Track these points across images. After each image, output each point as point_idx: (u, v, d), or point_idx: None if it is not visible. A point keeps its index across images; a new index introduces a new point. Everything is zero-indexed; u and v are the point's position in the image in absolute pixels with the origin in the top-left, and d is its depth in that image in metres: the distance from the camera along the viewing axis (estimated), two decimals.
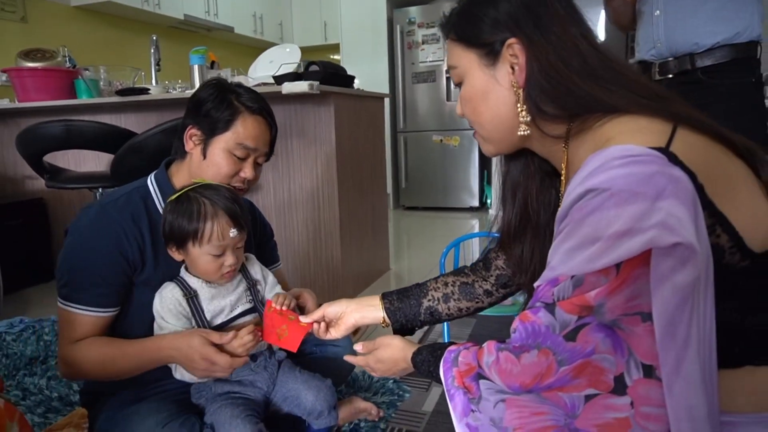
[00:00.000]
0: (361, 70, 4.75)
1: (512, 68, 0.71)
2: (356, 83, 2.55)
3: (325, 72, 2.16)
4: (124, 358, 1.07)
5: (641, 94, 0.66)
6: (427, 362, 0.83)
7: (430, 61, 4.60)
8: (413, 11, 4.59)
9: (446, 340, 1.77)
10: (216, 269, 1.08)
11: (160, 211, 1.14)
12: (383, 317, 1.05)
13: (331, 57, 5.99)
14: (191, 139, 1.15)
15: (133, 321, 1.13)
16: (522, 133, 0.73)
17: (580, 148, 0.68)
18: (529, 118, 0.72)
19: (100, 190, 2.28)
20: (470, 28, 0.74)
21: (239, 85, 1.19)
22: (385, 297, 1.05)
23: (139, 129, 2.21)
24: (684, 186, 0.54)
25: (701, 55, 1.58)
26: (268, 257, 1.41)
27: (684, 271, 0.52)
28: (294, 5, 6.11)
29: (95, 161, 2.77)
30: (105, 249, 1.07)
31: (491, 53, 0.73)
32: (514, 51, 0.70)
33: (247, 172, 1.17)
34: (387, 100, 4.59)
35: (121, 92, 2.45)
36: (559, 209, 0.62)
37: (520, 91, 0.71)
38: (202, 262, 1.08)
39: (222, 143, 1.13)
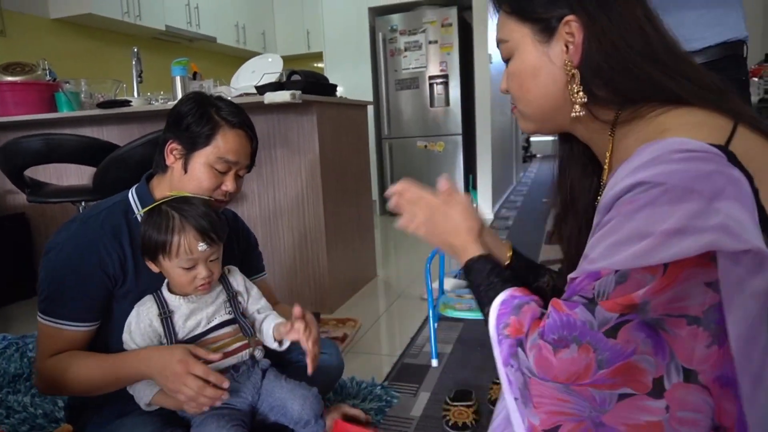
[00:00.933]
0: (345, 78, 4.77)
1: (566, 47, 0.67)
2: (340, 91, 2.57)
3: (307, 81, 2.17)
4: (101, 370, 1.07)
5: (702, 85, 0.63)
6: (480, 274, 0.76)
7: (413, 68, 4.63)
8: (395, 19, 4.62)
9: (433, 344, 1.78)
10: (189, 282, 1.09)
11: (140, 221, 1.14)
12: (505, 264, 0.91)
13: (315, 65, 6.02)
14: (172, 153, 1.16)
15: (113, 333, 1.13)
16: (576, 114, 0.69)
17: (628, 138, 0.66)
18: (585, 99, 0.67)
19: (83, 203, 2.26)
20: (526, 1, 0.71)
21: (219, 98, 1.20)
22: (514, 253, 0.93)
23: (121, 141, 2.20)
24: (744, 188, 0.52)
25: (693, 55, 1.59)
26: (253, 267, 1.41)
27: (758, 278, 0.49)
28: (276, 15, 6.13)
29: (77, 175, 2.74)
30: (85, 264, 1.08)
31: (546, 29, 0.69)
32: (571, 29, 0.67)
33: (228, 185, 1.17)
34: (371, 108, 4.62)
35: (102, 105, 2.43)
36: (602, 199, 0.59)
37: (575, 71, 0.67)
38: (175, 275, 1.09)
39: (203, 157, 1.13)
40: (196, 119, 1.13)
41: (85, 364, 1.07)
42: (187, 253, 1.06)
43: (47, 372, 1.08)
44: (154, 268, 1.11)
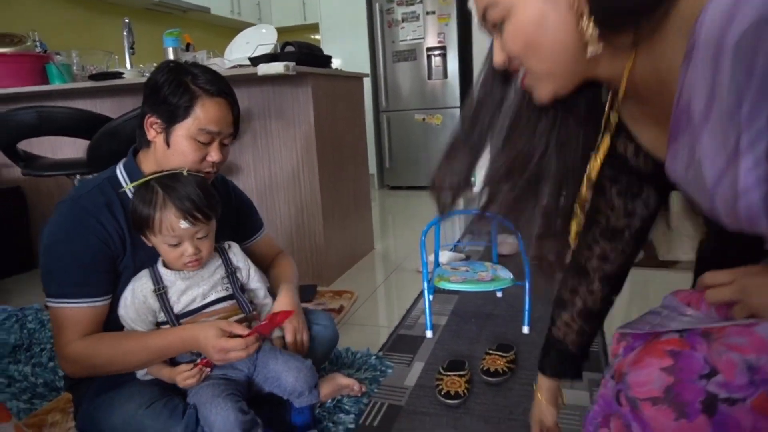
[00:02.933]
0: (342, 50, 4.71)
1: None
2: (337, 63, 2.54)
3: (301, 53, 2.15)
4: (145, 352, 1.08)
5: None
6: None
7: (410, 39, 4.56)
8: None
9: (427, 316, 1.80)
10: (176, 258, 1.09)
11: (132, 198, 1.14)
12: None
13: (311, 37, 5.92)
14: (152, 127, 1.13)
15: (115, 307, 1.14)
16: (592, 53, 0.62)
17: (656, 49, 0.59)
18: (597, 32, 0.60)
19: (78, 176, 2.25)
20: None
21: (195, 65, 1.16)
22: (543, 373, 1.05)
23: (114, 114, 2.18)
24: None
25: None
26: (252, 225, 1.42)
27: None
28: None
29: (72, 147, 2.72)
30: (87, 239, 1.07)
31: None
32: None
33: (213, 155, 1.15)
34: (368, 80, 4.56)
35: (94, 77, 2.40)
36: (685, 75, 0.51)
37: (582, 3, 0.60)
38: (162, 251, 1.09)
39: (184, 130, 1.11)
40: (172, 90, 1.09)
41: (124, 345, 1.08)
42: (169, 230, 1.05)
43: (79, 355, 1.07)
44: (148, 243, 1.11)
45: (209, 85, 1.12)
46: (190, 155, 1.12)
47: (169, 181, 1.08)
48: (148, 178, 1.09)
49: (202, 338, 1.06)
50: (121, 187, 1.15)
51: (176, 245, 1.08)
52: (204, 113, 1.11)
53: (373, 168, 4.83)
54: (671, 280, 2.21)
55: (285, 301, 1.27)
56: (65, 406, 1.42)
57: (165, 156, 1.13)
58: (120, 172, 1.17)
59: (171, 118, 1.11)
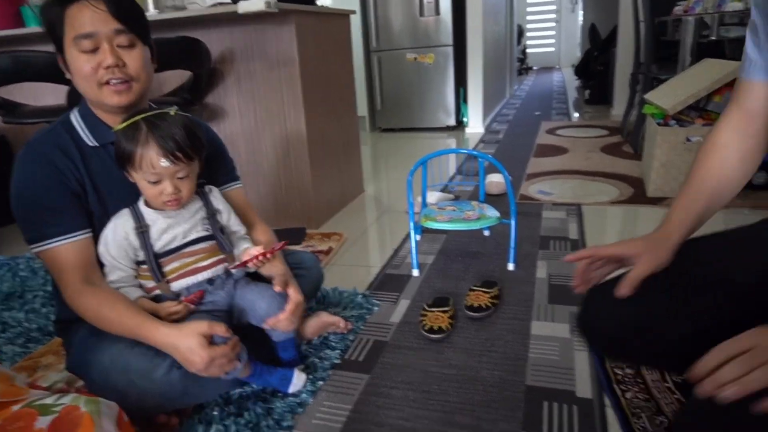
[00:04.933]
0: None
1: None
2: (326, 1, 2.43)
3: None
4: (120, 327, 1.07)
5: None
6: None
7: None
8: None
9: (413, 255, 1.83)
10: (156, 195, 1.09)
11: (87, 141, 1.13)
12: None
13: None
14: (62, 66, 1.11)
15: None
16: None
17: None
18: None
19: None
20: None
21: None
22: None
23: None
24: None
25: None
26: (224, 174, 1.34)
27: None
28: None
29: (54, 94, 2.66)
30: (44, 179, 1.07)
31: None
32: None
33: (108, 60, 1.06)
34: (359, 18, 4.41)
35: None
36: None
37: None
38: (142, 187, 1.09)
39: (69, 48, 1.06)
40: (46, 15, 1.07)
41: (104, 315, 1.07)
42: (149, 167, 1.05)
43: (74, 306, 1.09)
44: (130, 178, 1.10)
45: None
46: (84, 68, 1.06)
47: (155, 119, 1.06)
48: (138, 117, 1.06)
49: (185, 349, 1.03)
50: (75, 130, 1.13)
51: (156, 183, 1.07)
52: (72, 21, 1.05)
53: (363, 110, 4.75)
54: (659, 216, 2.22)
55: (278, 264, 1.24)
56: (58, 349, 1.45)
57: (76, 84, 1.10)
58: (74, 116, 1.15)
59: (57, 43, 1.07)
